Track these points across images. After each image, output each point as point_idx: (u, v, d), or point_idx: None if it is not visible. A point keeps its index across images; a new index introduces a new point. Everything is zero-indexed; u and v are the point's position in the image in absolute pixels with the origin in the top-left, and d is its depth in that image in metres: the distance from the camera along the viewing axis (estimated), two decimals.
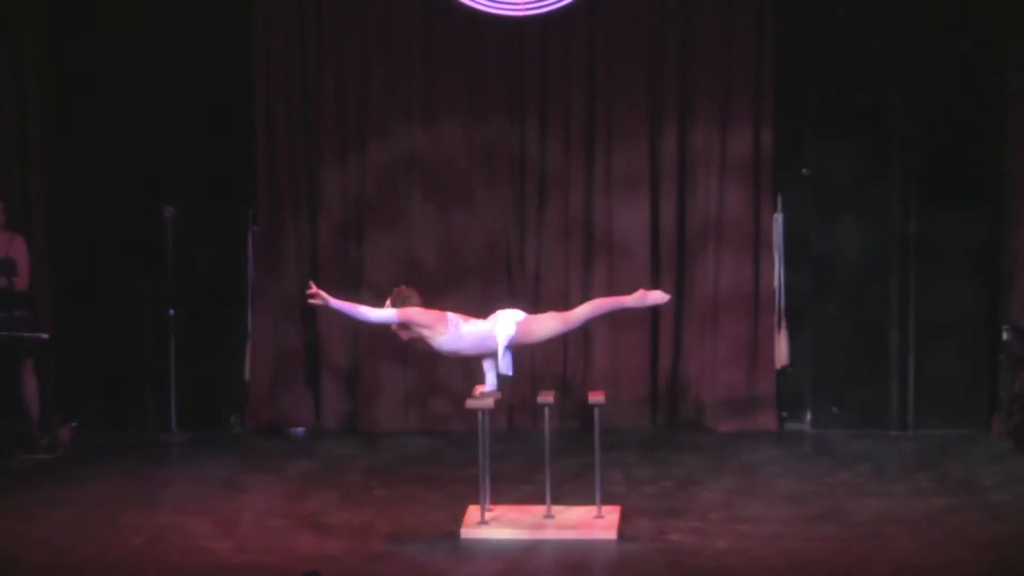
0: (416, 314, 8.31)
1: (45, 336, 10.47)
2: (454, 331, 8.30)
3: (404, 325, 8.33)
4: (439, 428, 11.09)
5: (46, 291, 10.87)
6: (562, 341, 10.96)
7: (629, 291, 11.01)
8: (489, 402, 8.42)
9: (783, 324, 11.20)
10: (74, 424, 11.00)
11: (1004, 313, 10.76)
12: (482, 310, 8.61)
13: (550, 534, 8.24)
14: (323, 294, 8.28)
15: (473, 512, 8.46)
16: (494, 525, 8.34)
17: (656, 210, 11.25)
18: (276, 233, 11.32)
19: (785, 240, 11.19)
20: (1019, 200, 10.66)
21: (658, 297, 8.62)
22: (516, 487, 9.15)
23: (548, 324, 8.47)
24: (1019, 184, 10.66)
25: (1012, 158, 10.72)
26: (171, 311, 11.02)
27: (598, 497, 8.43)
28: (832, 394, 11.12)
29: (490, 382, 8.49)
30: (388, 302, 8.42)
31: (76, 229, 11.20)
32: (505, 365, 8.36)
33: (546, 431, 8.48)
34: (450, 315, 8.36)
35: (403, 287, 8.53)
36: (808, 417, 11.19)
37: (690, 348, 11.26)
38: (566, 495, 8.76)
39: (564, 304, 11.17)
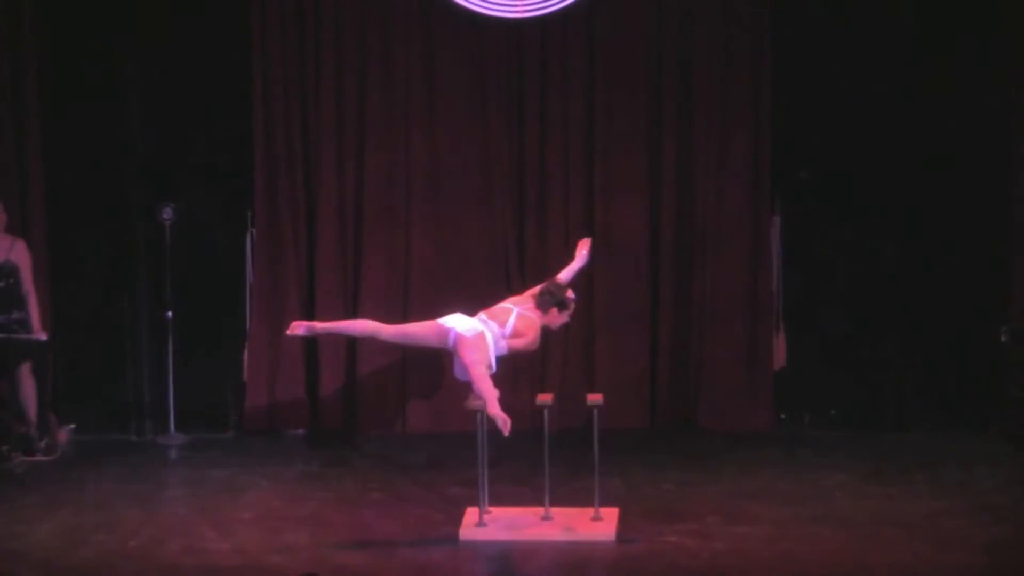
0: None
1: (43, 338, 10.47)
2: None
3: None
4: (437, 430, 11.08)
5: (44, 292, 10.85)
6: (562, 343, 10.96)
7: (628, 291, 11.16)
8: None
9: (781, 326, 11.20)
10: (72, 426, 11.00)
11: (1003, 314, 10.77)
12: (472, 312, 8.58)
13: (548, 536, 8.25)
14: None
15: (472, 514, 8.46)
16: (493, 527, 8.34)
17: (655, 213, 11.24)
18: (275, 235, 11.31)
19: (783, 242, 11.19)
20: (1019, 201, 10.66)
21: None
22: (515, 489, 9.15)
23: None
24: (1019, 185, 10.66)
25: (1012, 159, 10.72)
26: (169, 313, 11.02)
27: (596, 498, 8.43)
28: (830, 396, 11.12)
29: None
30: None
31: (74, 230, 11.19)
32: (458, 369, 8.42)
33: (545, 433, 8.48)
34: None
35: (556, 282, 8.64)
36: (806, 419, 11.18)
37: (689, 350, 11.25)
38: (564, 497, 8.76)
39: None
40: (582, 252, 8.92)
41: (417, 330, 8.39)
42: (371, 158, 11.27)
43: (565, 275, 8.84)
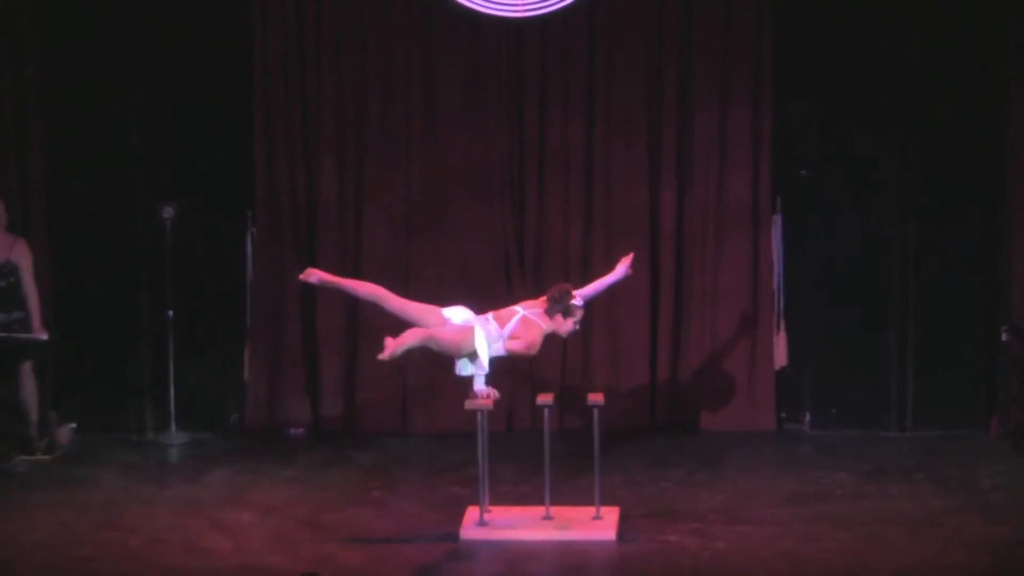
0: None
1: (43, 337, 10.46)
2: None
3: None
4: (438, 429, 11.08)
5: (45, 292, 10.85)
6: (561, 342, 10.95)
7: (629, 292, 11.15)
8: (488, 403, 8.42)
9: (782, 325, 11.20)
10: (72, 425, 10.99)
11: (1003, 314, 10.77)
12: (479, 311, 8.59)
13: (549, 535, 8.24)
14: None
15: (472, 513, 8.46)
16: (493, 526, 8.34)
17: (655, 213, 11.25)
18: (275, 235, 11.32)
19: (784, 241, 11.19)
20: (1018, 200, 10.67)
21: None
22: (515, 488, 9.16)
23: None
24: (1018, 184, 10.67)
25: (1011, 158, 10.72)
26: (170, 312, 11.02)
27: (597, 498, 8.43)
28: (831, 395, 11.13)
29: (477, 382, 8.49)
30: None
31: (75, 229, 11.19)
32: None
33: (545, 432, 8.48)
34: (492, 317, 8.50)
35: (562, 288, 8.57)
36: (807, 418, 11.19)
37: (689, 349, 11.26)
38: (565, 496, 8.76)
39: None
40: (620, 268, 8.84)
41: (419, 310, 8.41)
42: (371, 158, 11.27)
43: (596, 286, 8.80)
